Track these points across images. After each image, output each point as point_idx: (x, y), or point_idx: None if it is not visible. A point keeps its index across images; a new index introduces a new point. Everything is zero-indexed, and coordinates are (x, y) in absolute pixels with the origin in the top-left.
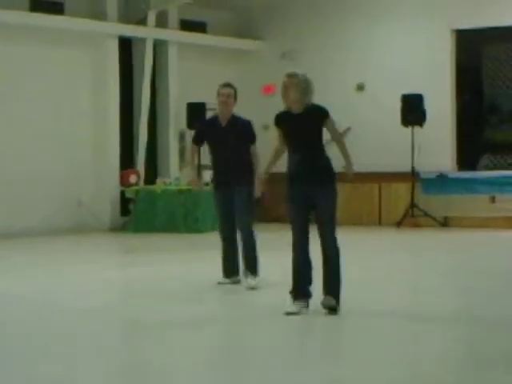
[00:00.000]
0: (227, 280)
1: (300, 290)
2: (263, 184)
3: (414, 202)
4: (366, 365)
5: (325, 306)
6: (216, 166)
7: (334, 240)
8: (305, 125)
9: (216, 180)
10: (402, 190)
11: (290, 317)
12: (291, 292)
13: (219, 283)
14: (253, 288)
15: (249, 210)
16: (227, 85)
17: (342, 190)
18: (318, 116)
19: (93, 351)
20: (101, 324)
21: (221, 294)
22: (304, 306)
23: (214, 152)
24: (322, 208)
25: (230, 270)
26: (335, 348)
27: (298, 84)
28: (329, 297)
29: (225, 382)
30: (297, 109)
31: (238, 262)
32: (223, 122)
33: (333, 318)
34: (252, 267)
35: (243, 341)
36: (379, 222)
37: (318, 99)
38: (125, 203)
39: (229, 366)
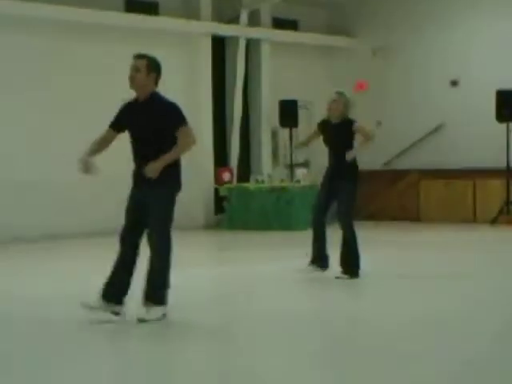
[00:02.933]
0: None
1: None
2: None
3: (510, 198)
4: None
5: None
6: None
7: (350, 222)
8: (339, 133)
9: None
10: (497, 186)
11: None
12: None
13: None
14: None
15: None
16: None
17: (437, 188)
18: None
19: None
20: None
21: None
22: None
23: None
24: (341, 192)
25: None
26: None
27: (343, 100)
28: None
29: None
30: (336, 119)
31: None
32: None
33: None
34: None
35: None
36: (474, 219)
37: (410, 95)
38: (219, 201)
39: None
